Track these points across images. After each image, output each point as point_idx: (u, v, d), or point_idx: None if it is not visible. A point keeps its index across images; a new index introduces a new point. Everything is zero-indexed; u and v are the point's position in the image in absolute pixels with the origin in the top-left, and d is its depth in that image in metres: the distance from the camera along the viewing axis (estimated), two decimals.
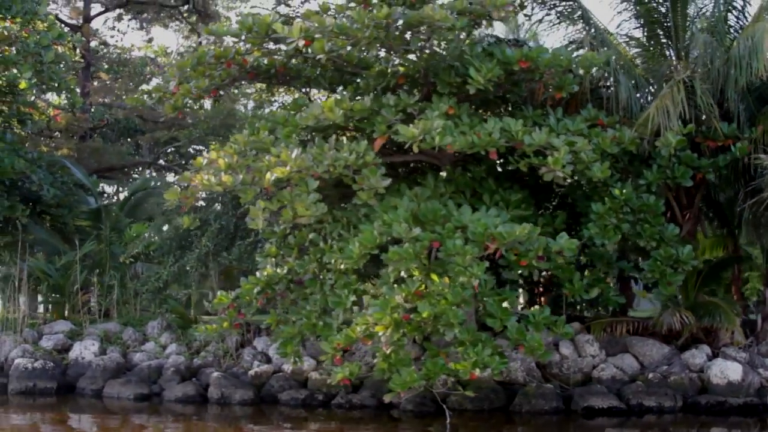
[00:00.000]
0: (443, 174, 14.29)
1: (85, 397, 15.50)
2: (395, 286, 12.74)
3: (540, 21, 16.26)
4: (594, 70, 14.34)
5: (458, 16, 12.20)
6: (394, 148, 13.85)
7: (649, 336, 15.41)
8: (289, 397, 14.85)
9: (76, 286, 17.57)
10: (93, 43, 26.70)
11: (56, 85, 17.89)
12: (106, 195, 25.22)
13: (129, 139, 27.82)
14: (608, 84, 15.02)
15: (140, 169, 29.75)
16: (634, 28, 16.63)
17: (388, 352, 12.59)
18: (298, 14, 17.28)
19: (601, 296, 14.14)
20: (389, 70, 13.55)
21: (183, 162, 27.21)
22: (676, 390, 14.30)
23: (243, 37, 13.92)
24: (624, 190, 13.38)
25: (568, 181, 12.71)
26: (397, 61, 13.67)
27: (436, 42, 13.44)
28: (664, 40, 16.16)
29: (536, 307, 16.65)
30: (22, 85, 17.37)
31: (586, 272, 14.31)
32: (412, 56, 13.84)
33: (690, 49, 15.46)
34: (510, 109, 14.50)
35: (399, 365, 12.59)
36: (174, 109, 14.48)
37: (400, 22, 12.05)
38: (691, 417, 13.98)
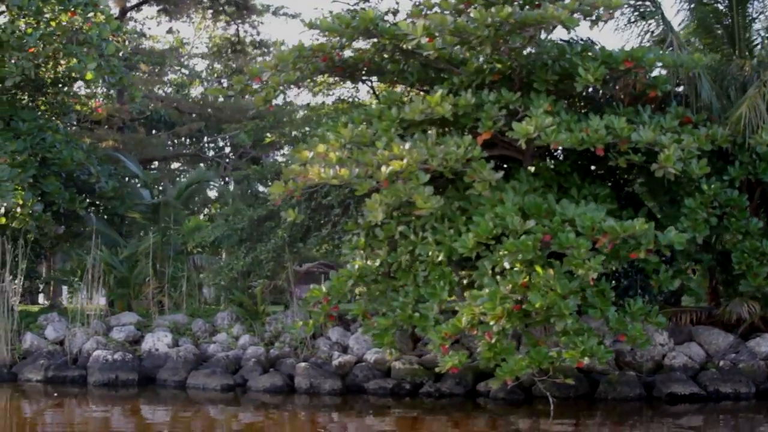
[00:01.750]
0: (531, 169, 14.70)
1: (166, 389, 15.60)
2: (498, 277, 13.17)
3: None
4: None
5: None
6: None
7: (710, 325, 16.07)
8: (376, 386, 15.16)
9: (147, 278, 17.60)
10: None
11: (117, 78, 17.82)
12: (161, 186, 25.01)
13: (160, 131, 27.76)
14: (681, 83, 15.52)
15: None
16: (693, 30, 17.17)
17: (492, 341, 13.02)
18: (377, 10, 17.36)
19: (682, 287, 14.73)
20: (487, 68, 13.86)
21: (216, 153, 27.36)
22: (747, 377, 14.92)
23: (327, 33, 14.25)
24: (712, 186, 13.95)
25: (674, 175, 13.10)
26: (491, 59, 13.97)
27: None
28: (725, 40, 16.74)
29: None
30: (89, 76, 17.30)
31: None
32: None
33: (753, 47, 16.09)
34: (595, 106, 14.88)
35: (503, 354, 13.03)
36: (265, 101, 14.65)
37: (510, 20, 12.37)
38: (765, 402, 14.61)
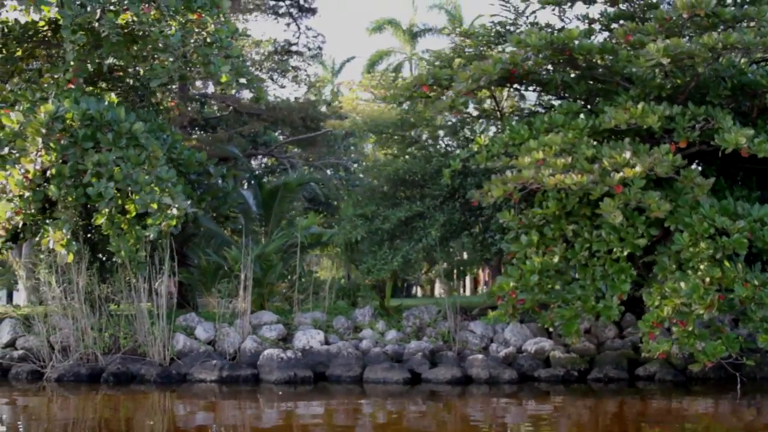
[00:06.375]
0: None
1: (341, 384, 16.06)
2: (689, 271, 14.68)
3: None
4: None
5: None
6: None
7: None
8: (548, 374, 16.34)
9: (294, 277, 17.85)
10: None
11: (247, 79, 17.91)
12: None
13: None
14: None
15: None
16: None
17: (690, 329, 14.55)
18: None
19: None
20: (666, 83, 15.33)
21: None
22: None
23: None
24: None
25: None
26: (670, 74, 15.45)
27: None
28: None
29: None
30: (224, 78, 17.35)
31: None
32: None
33: None
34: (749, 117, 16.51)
35: (700, 339, 14.58)
36: (451, 108, 15.54)
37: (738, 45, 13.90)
38: None
